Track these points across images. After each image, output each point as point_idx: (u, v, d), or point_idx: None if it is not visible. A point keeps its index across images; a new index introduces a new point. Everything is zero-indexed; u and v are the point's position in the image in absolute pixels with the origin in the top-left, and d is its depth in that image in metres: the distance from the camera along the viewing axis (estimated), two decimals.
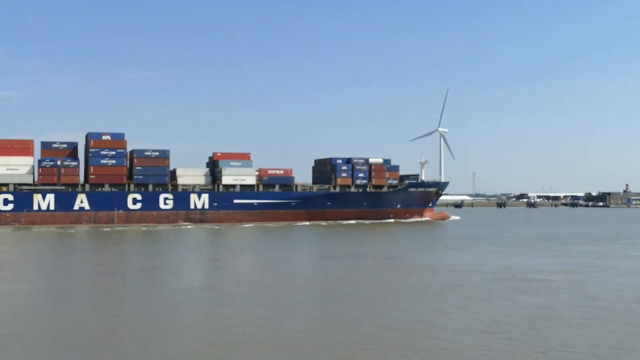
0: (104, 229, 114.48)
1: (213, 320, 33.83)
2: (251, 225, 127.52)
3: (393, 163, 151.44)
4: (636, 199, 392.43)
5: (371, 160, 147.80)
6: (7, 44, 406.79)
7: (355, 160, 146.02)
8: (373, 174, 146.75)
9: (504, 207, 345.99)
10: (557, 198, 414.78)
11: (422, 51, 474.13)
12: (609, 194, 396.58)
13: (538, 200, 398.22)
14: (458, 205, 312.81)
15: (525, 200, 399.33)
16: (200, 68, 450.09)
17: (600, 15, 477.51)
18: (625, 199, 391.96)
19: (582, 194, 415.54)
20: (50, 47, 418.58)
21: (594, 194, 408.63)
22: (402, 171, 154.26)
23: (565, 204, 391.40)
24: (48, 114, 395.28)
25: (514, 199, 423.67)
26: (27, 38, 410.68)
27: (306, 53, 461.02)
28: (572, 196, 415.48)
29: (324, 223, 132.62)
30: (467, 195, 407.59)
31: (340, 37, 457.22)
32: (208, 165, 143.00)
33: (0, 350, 27.28)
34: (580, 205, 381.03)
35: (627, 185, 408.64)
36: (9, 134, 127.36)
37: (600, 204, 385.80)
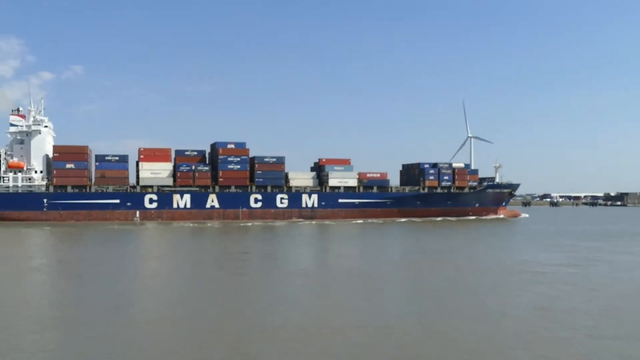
0: (240, 224, 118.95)
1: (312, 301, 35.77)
2: (359, 221, 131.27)
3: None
4: None
5: (454, 165, 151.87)
6: (88, 64, 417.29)
7: (440, 165, 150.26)
8: (456, 177, 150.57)
9: (529, 206, 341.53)
10: (578, 198, 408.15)
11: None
12: (626, 194, 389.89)
13: (560, 200, 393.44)
14: None
15: (549, 200, 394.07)
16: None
17: (609, 31, 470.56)
18: None
19: (601, 194, 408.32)
20: (124, 65, 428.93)
21: (612, 194, 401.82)
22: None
23: (586, 204, 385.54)
24: (124, 124, 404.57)
25: (538, 199, 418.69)
26: (105, 58, 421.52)
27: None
28: (592, 196, 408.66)
29: (418, 220, 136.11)
30: None
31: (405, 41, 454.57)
32: (313, 169, 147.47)
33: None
34: (600, 205, 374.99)
35: None
36: (91, 142, 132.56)
37: (619, 203, 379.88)
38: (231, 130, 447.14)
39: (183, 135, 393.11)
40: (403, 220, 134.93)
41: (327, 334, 26.96)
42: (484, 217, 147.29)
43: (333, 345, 25.11)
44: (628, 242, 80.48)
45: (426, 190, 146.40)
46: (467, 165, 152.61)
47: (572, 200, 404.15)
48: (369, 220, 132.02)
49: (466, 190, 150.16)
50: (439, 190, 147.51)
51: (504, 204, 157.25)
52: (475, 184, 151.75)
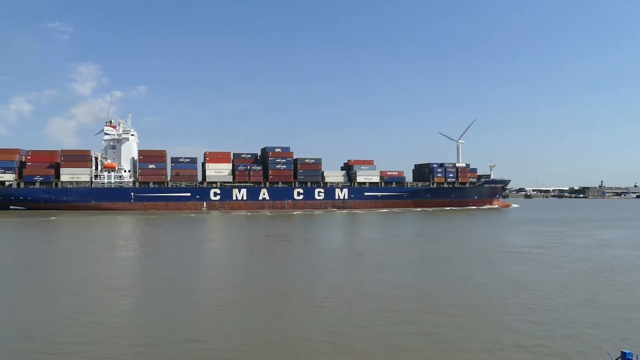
0: (287, 213, 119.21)
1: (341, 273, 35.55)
2: (382, 210, 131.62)
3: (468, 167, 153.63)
4: (609, 192, 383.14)
5: (457, 165, 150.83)
6: (150, 84, 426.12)
7: (446, 165, 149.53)
8: (459, 174, 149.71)
9: (507, 198, 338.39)
10: (547, 191, 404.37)
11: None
12: (587, 188, 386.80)
13: (533, 193, 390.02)
14: None
15: (523, 193, 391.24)
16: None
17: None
18: (601, 192, 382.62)
19: (566, 188, 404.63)
20: (178, 85, 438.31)
21: (576, 188, 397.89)
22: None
23: (554, 196, 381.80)
24: (178, 132, 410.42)
25: (514, 192, 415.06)
26: (163, 80, 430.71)
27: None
28: (559, 189, 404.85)
29: (429, 209, 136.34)
30: None
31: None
32: (343, 168, 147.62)
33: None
34: (565, 197, 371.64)
35: (602, 181, 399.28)
36: (152, 147, 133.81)
37: (581, 195, 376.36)
38: (259, 137, 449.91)
39: (223, 141, 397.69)
40: (417, 209, 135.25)
41: (356, 291, 28.31)
42: (482, 207, 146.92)
43: (359, 299, 26.36)
44: (585, 227, 79.39)
45: (435, 185, 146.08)
46: (468, 165, 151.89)
47: (542, 193, 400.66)
48: (390, 210, 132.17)
49: (467, 185, 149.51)
50: (445, 185, 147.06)
51: (497, 196, 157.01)
52: (474, 180, 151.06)
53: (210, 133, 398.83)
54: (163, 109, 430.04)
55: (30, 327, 21.63)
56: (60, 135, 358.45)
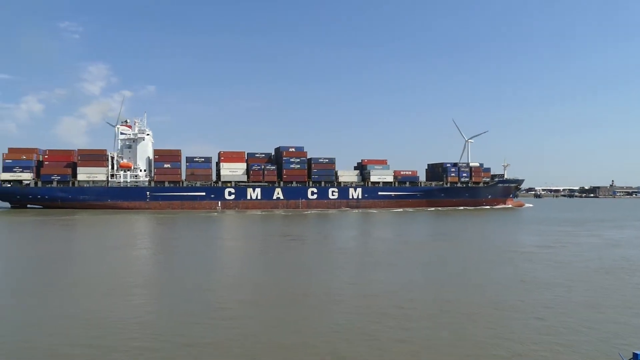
0: (300, 212, 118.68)
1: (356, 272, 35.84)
2: (396, 210, 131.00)
3: (482, 166, 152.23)
4: (620, 192, 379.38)
5: (471, 164, 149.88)
6: (159, 84, 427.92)
7: (460, 164, 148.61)
8: (473, 174, 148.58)
9: (517, 197, 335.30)
10: (557, 191, 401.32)
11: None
12: (598, 187, 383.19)
13: (542, 192, 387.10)
14: None
15: (533, 192, 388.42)
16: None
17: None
18: (611, 191, 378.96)
19: (577, 188, 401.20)
20: (186, 84, 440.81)
21: (586, 187, 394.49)
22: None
23: (564, 195, 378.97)
24: (186, 132, 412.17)
25: (524, 192, 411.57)
26: (171, 80, 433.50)
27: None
28: (569, 189, 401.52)
29: (443, 209, 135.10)
30: None
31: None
32: (356, 167, 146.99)
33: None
34: (576, 197, 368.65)
35: (612, 180, 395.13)
36: (162, 147, 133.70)
37: (592, 195, 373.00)
38: (266, 137, 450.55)
39: (236, 141, 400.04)
40: (431, 209, 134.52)
41: (369, 290, 28.67)
42: (495, 207, 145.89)
43: (373, 297, 26.71)
44: (595, 227, 78.32)
45: (448, 184, 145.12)
46: (481, 164, 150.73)
47: (552, 193, 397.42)
48: (404, 209, 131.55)
49: (481, 184, 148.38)
50: (459, 185, 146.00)
51: (511, 195, 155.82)
52: (487, 179, 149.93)
53: (222, 133, 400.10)
54: (173, 108, 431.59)
55: (30, 326, 21.35)
56: (70, 135, 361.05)
